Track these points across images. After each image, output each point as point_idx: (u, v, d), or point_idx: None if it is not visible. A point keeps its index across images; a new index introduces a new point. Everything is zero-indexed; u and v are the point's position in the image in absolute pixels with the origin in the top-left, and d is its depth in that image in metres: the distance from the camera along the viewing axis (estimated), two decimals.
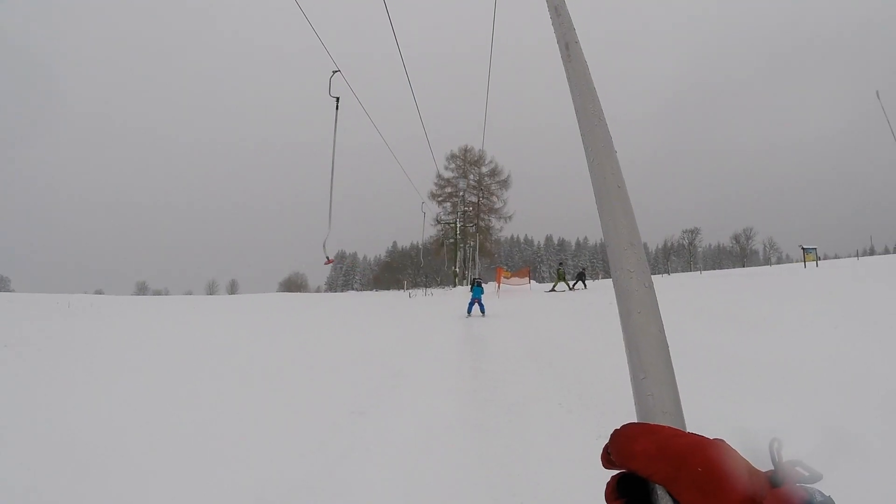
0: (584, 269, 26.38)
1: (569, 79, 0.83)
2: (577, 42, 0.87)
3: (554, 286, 22.38)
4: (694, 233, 71.18)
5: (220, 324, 12.58)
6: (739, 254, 74.40)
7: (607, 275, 42.22)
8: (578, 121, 0.76)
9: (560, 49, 0.87)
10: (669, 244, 74.08)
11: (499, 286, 24.09)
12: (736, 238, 75.37)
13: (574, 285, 22.24)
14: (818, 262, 20.97)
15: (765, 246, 76.32)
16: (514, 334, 9.75)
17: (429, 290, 32.87)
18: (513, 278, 26.54)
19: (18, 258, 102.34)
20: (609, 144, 0.73)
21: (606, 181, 0.68)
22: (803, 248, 21.33)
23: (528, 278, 26.90)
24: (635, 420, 0.50)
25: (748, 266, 57.15)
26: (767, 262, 72.72)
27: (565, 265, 24.94)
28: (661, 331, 0.55)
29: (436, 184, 48.67)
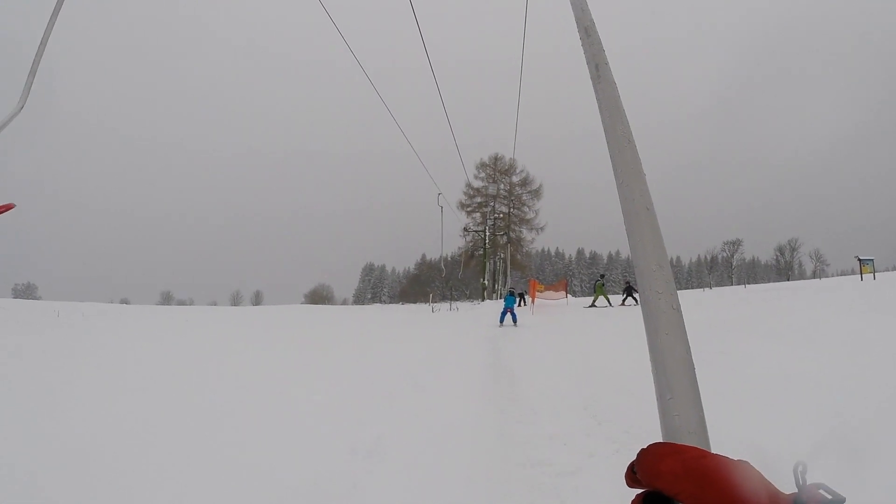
0: (629, 281, 22.27)
1: (598, 100, 0.86)
2: (606, 63, 0.90)
3: (594, 301, 20.80)
4: (736, 244, 68.89)
5: (192, 342, 10.49)
6: (777, 267, 71.68)
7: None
8: (608, 142, 0.79)
9: (590, 70, 0.90)
10: (709, 257, 72.01)
11: (533, 301, 22.24)
12: (780, 250, 72.40)
13: (624, 300, 20.37)
14: (875, 274, 20.08)
15: (803, 259, 72.62)
16: (558, 367, 7.43)
17: (454, 304, 31.24)
18: (547, 292, 24.94)
19: (47, 266, 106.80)
20: (638, 167, 0.76)
21: (635, 203, 0.71)
22: (860, 260, 20.36)
23: (564, 292, 25.17)
24: (660, 439, 0.52)
25: (792, 280, 54.97)
26: (808, 275, 69.47)
27: (606, 278, 22.51)
28: (688, 352, 0.58)
29: (465, 193, 48.22)
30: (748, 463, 0.46)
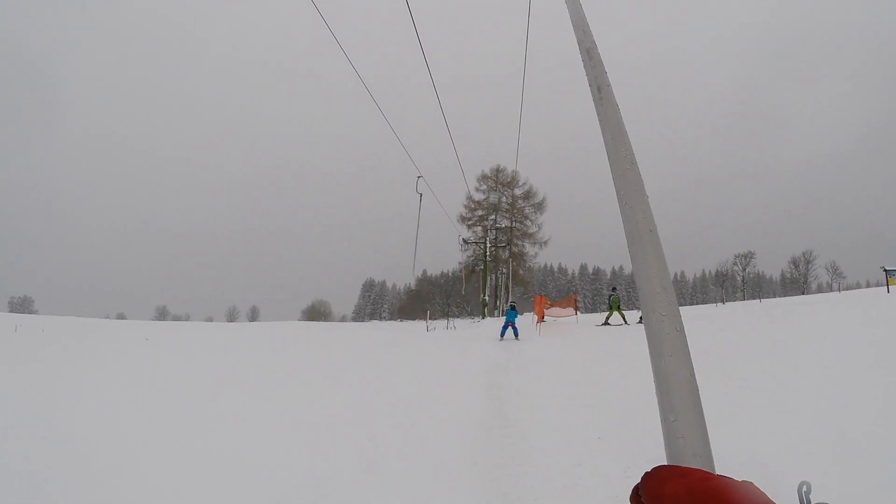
0: None
1: (601, 121, 0.88)
2: (608, 85, 0.93)
3: (608, 318, 18.66)
4: (748, 257, 68.32)
5: (121, 372, 8.45)
6: (784, 281, 71.03)
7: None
8: (610, 164, 0.82)
9: (592, 92, 0.93)
10: (718, 271, 71.43)
11: (539, 319, 19.64)
12: (794, 262, 71.67)
13: (641, 318, 19.48)
14: None
15: (818, 272, 71.69)
16: (584, 418, 5.34)
17: (451, 322, 29.44)
18: (553, 308, 22.60)
19: (44, 280, 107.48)
20: (641, 188, 0.78)
21: (638, 225, 0.73)
22: (886, 270, 20.02)
23: (573, 308, 22.45)
24: (665, 462, 0.54)
25: (808, 294, 54.51)
26: (814, 289, 68.65)
27: (618, 292, 19.72)
28: (692, 374, 0.60)
29: (465, 206, 47.57)
30: (752, 484, 0.46)
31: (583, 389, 6.82)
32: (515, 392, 7.04)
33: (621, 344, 11.59)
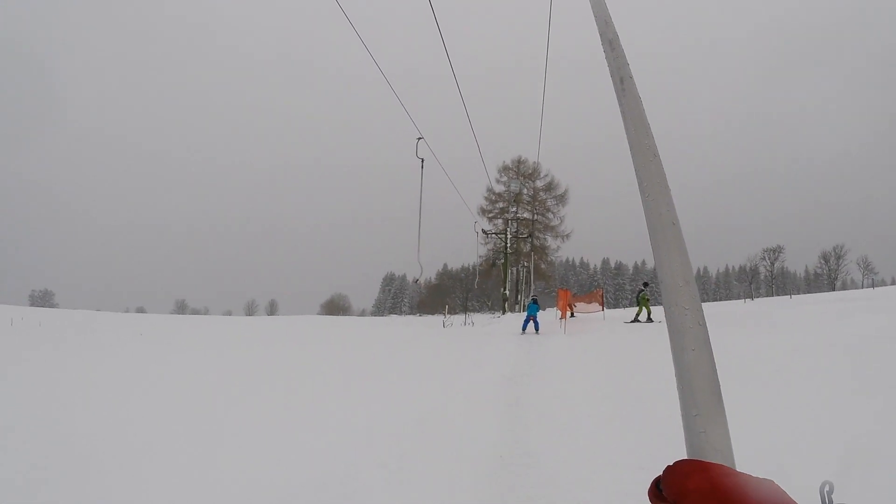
0: None
1: (623, 114, 0.88)
2: (631, 77, 0.92)
3: (637, 315, 17.63)
4: (776, 252, 66.76)
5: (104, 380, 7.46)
6: (807, 278, 69.59)
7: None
8: (633, 156, 0.82)
9: (614, 84, 0.93)
10: (746, 266, 70.17)
11: (565, 315, 18.45)
12: (824, 257, 69.86)
13: None
14: None
15: (849, 268, 69.59)
16: (629, 450, 4.18)
17: (470, 318, 28.88)
18: (579, 304, 21.97)
19: (68, 275, 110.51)
20: (663, 181, 0.78)
21: (661, 218, 0.73)
22: None
23: (600, 304, 21.58)
24: (685, 457, 0.54)
25: (837, 290, 53.15)
26: (838, 286, 66.64)
27: (650, 287, 18.21)
28: (714, 369, 0.60)
29: (486, 198, 46.72)
30: (773, 482, 0.47)
31: (623, 409, 5.50)
32: (540, 411, 5.75)
33: (660, 346, 9.03)
